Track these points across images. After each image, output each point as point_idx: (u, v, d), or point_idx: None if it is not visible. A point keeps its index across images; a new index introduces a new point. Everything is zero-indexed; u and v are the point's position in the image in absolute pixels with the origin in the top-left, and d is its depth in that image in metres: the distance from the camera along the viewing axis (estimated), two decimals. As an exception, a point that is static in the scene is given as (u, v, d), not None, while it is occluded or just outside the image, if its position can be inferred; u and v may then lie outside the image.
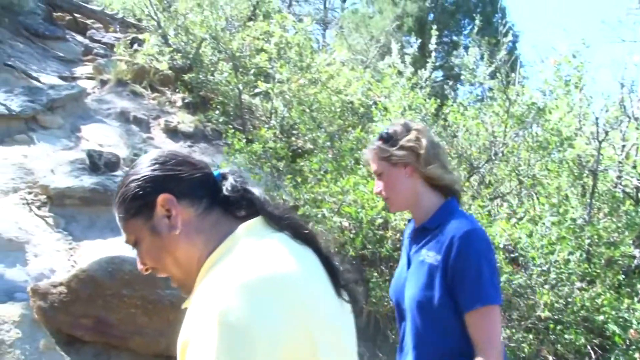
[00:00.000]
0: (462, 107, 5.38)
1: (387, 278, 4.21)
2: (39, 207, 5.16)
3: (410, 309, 1.78)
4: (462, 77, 5.63)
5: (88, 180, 5.33)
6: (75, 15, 11.05)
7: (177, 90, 8.00)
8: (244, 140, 4.60)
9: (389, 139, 1.84)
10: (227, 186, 1.17)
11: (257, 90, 7.68)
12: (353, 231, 4.21)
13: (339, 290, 1.15)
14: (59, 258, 4.65)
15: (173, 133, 7.21)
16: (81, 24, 10.98)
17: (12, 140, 6.06)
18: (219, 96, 7.62)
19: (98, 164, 5.60)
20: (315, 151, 5.41)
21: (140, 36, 9.03)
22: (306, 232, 1.17)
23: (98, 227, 5.16)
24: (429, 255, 1.73)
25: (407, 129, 1.85)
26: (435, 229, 1.76)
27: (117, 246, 4.91)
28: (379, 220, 4.18)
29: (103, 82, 8.17)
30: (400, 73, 5.91)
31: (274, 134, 5.11)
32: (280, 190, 4.24)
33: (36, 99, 6.61)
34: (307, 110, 6.36)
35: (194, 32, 7.81)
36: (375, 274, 4.10)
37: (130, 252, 4.46)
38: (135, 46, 9.07)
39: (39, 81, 7.84)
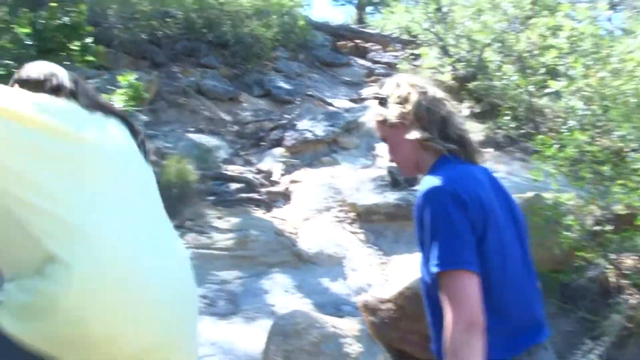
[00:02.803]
0: None
1: None
2: (350, 224, 5.50)
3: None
4: None
5: (391, 196, 5.51)
6: (356, 41, 11.86)
7: (462, 100, 7.90)
8: (557, 146, 4.21)
9: (383, 100, 1.65)
10: None
11: (547, 91, 7.14)
12: None
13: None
14: (373, 272, 4.87)
15: (463, 143, 7.10)
16: (361, 48, 11.73)
17: (319, 163, 6.65)
18: (508, 101, 7.28)
19: (398, 179, 5.76)
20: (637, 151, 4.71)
21: (417, 51, 9.20)
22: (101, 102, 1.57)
23: (403, 242, 5.27)
24: None
25: (398, 85, 1.63)
26: None
27: (424, 260, 4.97)
28: None
29: (389, 101, 8.50)
30: None
31: (590, 136, 4.61)
32: (608, 197, 3.76)
33: (335, 123, 7.16)
34: (611, 105, 5.65)
35: (476, 38, 7.62)
36: None
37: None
38: (412, 61, 9.28)
39: (333, 106, 8.54)
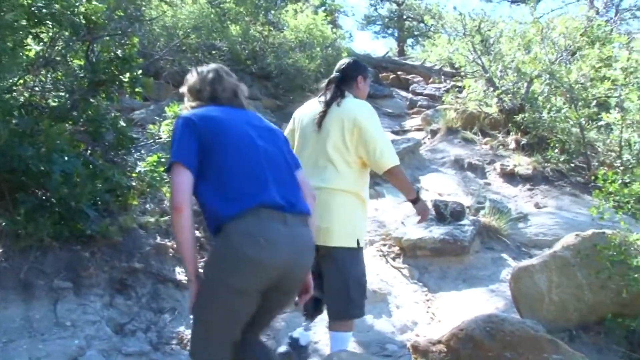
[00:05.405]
0: None
1: None
2: (393, 259, 5.34)
3: None
4: None
5: (437, 231, 5.33)
6: (398, 73, 11.84)
7: (509, 132, 7.72)
8: (620, 181, 3.98)
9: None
10: None
11: (600, 123, 6.91)
12: None
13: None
14: (418, 309, 4.67)
15: (510, 177, 6.89)
16: (403, 80, 11.70)
17: (363, 195, 6.52)
18: (557, 134, 7.06)
19: (444, 213, 5.58)
20: None
21: (461, 83, 9.09)
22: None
23: (450, 278, 5.08)
24: None
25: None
26: None
27: (473, 298, 4.75)
28: None
29: (433, 132, 8.39)
30: None
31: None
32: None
33: (378, 155, 7.03)
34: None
35: (524, 70, 7.46)
36: None
37: (507, 310, 4.20)
38: (457, 93, 9.16)
39: (376, 138, 8.43)
